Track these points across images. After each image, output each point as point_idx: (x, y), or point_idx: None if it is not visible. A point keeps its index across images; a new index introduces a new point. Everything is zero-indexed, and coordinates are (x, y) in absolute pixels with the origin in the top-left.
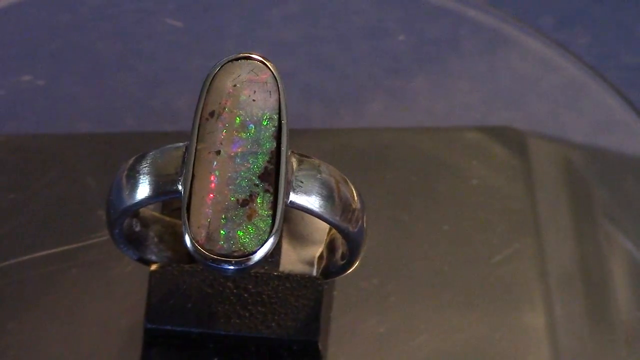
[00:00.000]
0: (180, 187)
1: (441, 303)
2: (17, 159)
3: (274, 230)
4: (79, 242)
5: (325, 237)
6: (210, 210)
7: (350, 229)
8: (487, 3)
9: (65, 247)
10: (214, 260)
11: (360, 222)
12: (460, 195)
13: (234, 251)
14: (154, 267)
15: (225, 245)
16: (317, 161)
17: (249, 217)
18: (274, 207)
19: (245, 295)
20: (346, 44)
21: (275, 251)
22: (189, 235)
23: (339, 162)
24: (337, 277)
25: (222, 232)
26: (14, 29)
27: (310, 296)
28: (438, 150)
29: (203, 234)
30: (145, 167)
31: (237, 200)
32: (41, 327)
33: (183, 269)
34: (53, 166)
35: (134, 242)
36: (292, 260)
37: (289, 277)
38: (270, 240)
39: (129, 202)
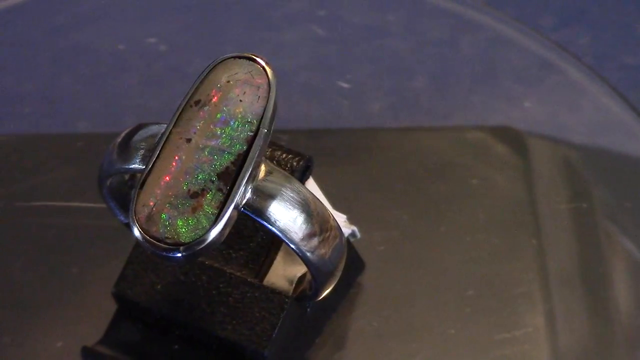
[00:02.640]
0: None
1: (441, 303)
2: (17, 159)
3: (213, 229)
4: (79, 242)
5: None
6: (160, 193)
7: (311, 256)
8: (487, 3)
9: (65, 248)
10: (146, 240)
11: (325, 252)
12: (460, 195)
13: (167, 238)
14: None
15: (161, 230)
16: (288, 178)
17: (193, 210)
18: (222, 207)
19: (214, 292)
20: (346, 44)
21: (267, 262)
22: (132, 210)
23: (339, 162)
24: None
25: (163, 216)
26: (14, 29)
27: (272, 310)
28: (438, 150)
29: (145, 213)
30: (132, 138)
31: (189, 190)
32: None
33: None
34: (53, 166)
35: (122, 203)
36: (278, 274)
37: (260, 287)
38: (206, 238)
39: (106, 168)
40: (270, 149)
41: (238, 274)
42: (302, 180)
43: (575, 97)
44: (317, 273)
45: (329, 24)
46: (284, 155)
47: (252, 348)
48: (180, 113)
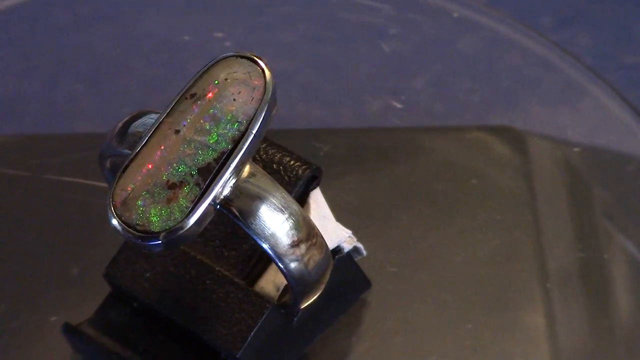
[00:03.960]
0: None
1: (441, 303)
2: (17, 159)
3: (183, 223)
4: (80, 241)
5: None
6: (140, 180)
7: (287, 265)
8: (487, 3)
9: (65, 247)
10: (119, 223)
11: (301, 265)
12: (460, 195)
13: (138, 224)
14: None
15: (134, 216)
16: (272, 183)
17: (168, 201)
18: (196, 202)
19: (200, 287)
20: (346, 44)
21: (258, 265)
22: (110, 192)
23: (339, 162)
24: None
25: (138, 202)
26: (14, 30)
27: (252, 313)
28: (438, 150)
29: (122, 197)
30: (130, 123)
31: (167, 181)
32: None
33: None
34: (53, 166)
35: None
36: (269, 280)
37: (244, 289)
38: (175, 231)
39: (105, 149)
40: (279, 154)
41: (226, 273)
42: (307, 189)
43: (575, 97)
44: (293, 285)
45: (329, 24)
46: (292, 162)
47: (227, 348)
48: (175, 104)
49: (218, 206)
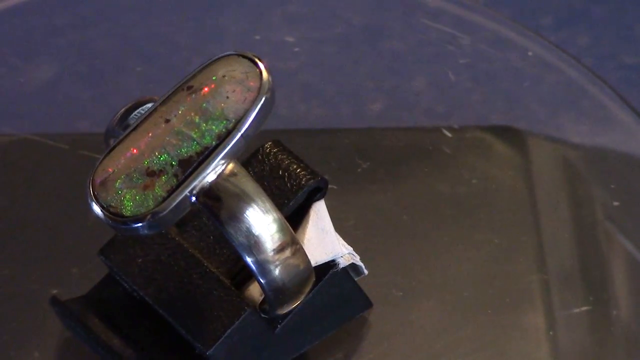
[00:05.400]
0: None
1: (441, 303)
2: (17, 159)
3: (154, 212)
4: (80, 241)
5: None
6: (123, 163)
7: (259, 269)
8: (488, 3)
9: (65, 248)
10: (94, 203)
11: (273, 274)
12: (461, 195)
13: (111, 206)
14: None
15: (109, 197)
16: (252, 186)
17: (145, 187)
18: (171, 192)
19: (185, 280)
20: (346, 44)
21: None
22: (92, 171)
23: (339, 162)
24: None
25: (116, 184)
26: (14, 30)
27: (230, 313)
28: (438, 150)
29: (102, 177)
30: (133, 107)
31: (148, 167)
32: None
33: None
34: (53, 166)
35: None
36: (257, 284)
37: (228, 288)
38: (145, 219)
39: (108, 129)
40: (288, 160)
41: (214, 270)
42: (310, 200)
43: (575, 97)
44: (266, 291)
45: (329, 24)
46: (298, 170)
47: (199, 345)
48: (171, 94)
49: (194, 199)
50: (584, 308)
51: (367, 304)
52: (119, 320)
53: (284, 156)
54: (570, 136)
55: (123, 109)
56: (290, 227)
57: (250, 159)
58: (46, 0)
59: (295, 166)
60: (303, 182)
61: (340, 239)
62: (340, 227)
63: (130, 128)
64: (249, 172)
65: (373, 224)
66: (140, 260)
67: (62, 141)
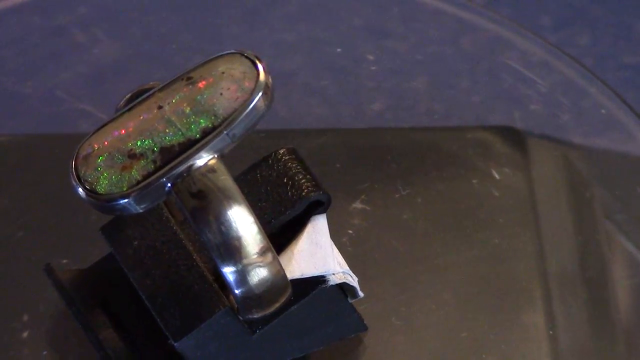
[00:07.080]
0: None
1: (441, 303)
2: (17, 159)
3: (125, 194)
4: (80, 241)
5: None
6: (109, 141)
7: (222, 267)
8: (488, 3)
9: (65, 248)
10: (72, 176)
11: (239, 275)
12: (460, 195)
13: (87, 182)
14: None
15: (87, 173)
16: (229, 184)
17: (123, 169)
18: (146, 177)
19: (172, 270)
20: (346, 44)
21: None
22: (78, 145)
23: (339, 162)
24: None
25: (98, 160)
26: (14, 30)
27: (205, 309)
28: (438, 150)
29: (86, 152)
30: (138, 92)
31: (130, 149)
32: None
33: (161, 211)
34: (53, 166)
35: None
36: None
37: (210, 284)
38: (114, 199)
39: (116, 111)
40: (295, 169)
41: (201, 264)
42: (309, 212)
43: (575, 97)
44: (234, 291)
45: (329, 24)
46: (303, 181)
47: (170, 334)
48: (171, 82)
49: (168, 188)
50: (584, 308)
51: (361, 327)
52: (110, 298)
53: (293, 165)
54: (570, 136)
55: (129, 94)
56: (263, 233)
57: (260, 162)
58: (46, 0)
59: (301, 176)
60: (304, 193)
61: (339, 257)
62: (341, 223)
63: (125, 109)
64: (255, 174)
65: (372, 223)
66: (136, 243)
67: (62, 141)
